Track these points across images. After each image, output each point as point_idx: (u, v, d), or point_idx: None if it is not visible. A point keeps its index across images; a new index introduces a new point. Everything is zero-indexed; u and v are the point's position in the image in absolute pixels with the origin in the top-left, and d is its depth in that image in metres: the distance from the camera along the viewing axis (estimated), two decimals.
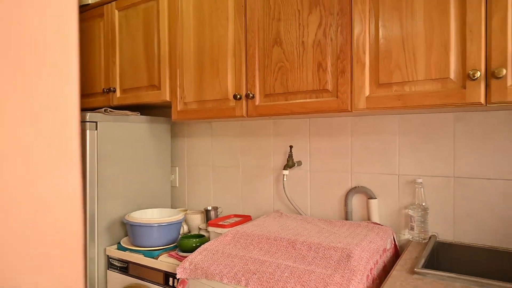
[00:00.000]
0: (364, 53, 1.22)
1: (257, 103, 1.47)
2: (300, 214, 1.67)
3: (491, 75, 1.03)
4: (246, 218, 1.75)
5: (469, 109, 1.22)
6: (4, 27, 0.27)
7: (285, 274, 1.06)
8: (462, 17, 1.07)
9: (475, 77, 1.03)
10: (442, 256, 1.32)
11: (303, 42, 1.34)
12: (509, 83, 1.01)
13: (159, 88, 1.78)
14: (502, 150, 1.28)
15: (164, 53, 1.75)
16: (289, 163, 1.64)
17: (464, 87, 1.07)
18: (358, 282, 1.01)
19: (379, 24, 1.20)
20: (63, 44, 0.31)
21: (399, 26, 1.16)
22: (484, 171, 1.32)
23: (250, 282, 1.06)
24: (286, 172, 1.64)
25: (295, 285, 1.01)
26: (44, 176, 0.29)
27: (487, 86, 1.04)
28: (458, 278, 0.99)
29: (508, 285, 0.93)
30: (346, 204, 1.58)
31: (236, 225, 1.60)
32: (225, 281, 1.11)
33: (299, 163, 1.69)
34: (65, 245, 0.31)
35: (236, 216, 1.82)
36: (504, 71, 1.00)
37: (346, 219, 1.58)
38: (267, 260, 1.15)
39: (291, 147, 1.67)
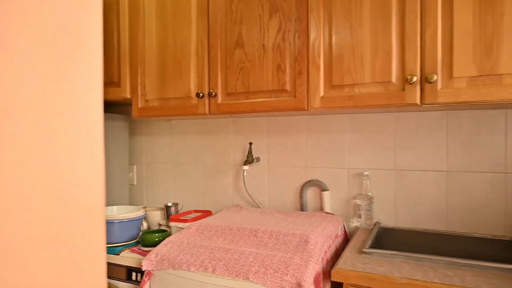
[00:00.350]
0: (319, 57, 1.35)
1: (219, 101, 1.54)
2: (259, 207, 1.76)
3: (424, 80, 1.20)
4: (206, 213, 1.80)
5: (407, 109, 1.40)
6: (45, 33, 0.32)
7: (250, 259, 1.14)
8: (402, 28, 1.23)
9: (412, 81, 1.20)
10: (385, 239, 1.49)
11: (263, 44, 1.44)
12: (439, 87, 1.19)
13: (118, 85, 1.78)
14: (433, 146, 1.48)
15: (124, 50, 1.75)
16: (249, 159, 1.73)
17: (403, 89, 1.23)
18: (315, 263, 1.13)
19: (332, 31, 1.33)
20: (91, 46, 0.36)
21: (349, 34, 1.30)
22: (419, 164, 1.51)
23: (217, 268, 1.13)
24: (246, 167, 1.73)
25: (259, 268, 1.10)
26: (74, 162, 0.35)
27: (421, 90, 1.21)
28: (398, 254, 1.14)
29: (436, 257, 1.09)
30: (301, 197, 1.70)
31: (197, 220, 1.65)
32: (192, 269, 1.16)
33: (258, 159, 1.79)
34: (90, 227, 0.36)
35: (196, 211, 1.86)
36: (435, 76, 1.18)
37: (302, 210, 1.70)
38: (231, 248, 1.22)
39: (250, 144, 1.76)
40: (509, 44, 1.10)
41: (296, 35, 1.39)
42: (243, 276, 1.09)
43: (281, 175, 1.76)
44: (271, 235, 1.29)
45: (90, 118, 0.37)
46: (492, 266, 1.03)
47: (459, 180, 1.45)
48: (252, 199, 1.80)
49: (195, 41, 1.59)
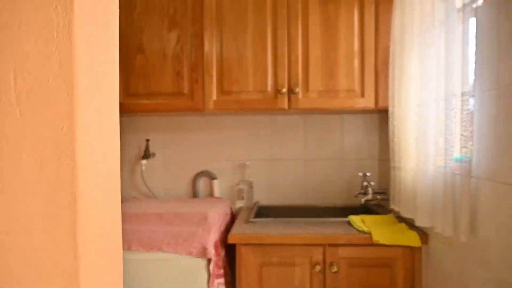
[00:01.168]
0: (212, 68, 1.65)
1: (121, 101, 1.68)
2: (156, 198, 1.95)
3: (290, 91, 1.63)
4: None
5: (279, 112, 1.83)
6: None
7: (161, 235, 1.36)
8: (275, 52, 1.63)
9: (282, 92, 1.62)
10: (263, 213, 1.88)
11: (164, 53, 1.65)
12: (300, 97, 1.64)
13: None
14: (296, 140, 1.96)
15: None
16: (146, 154, 1.90)
17: (276, 97, 1.64)
18: (214, 233, 1.42)
19: (223, 48, 1.65)
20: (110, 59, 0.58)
21: (236, 52, 1.64)
22: (286, 155, 1.96)
23: (132, 245, 1.31)
24: (144, 161, 1.89)
25: (170, 240, 1.33)
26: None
27: (288, 98, 1.64)
28: (274, 220, 1.55)
29: (299, 219, 1.53)
30: (194, 186, 1.97)
31: None
32: None
33: (154, 154, 1.97)
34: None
35: None
36: (298, 89, 1.62)
37: (195, 197, 1.97)
38: (142, 229, 1.41)
39: (147, 140, 1.93)
40: (343, 71, 1.62)
41: (193, 48, 1.65)
42: (157, 248, 1.31)
43: (176, 168, 1.99)
44: (175, 216, 1.52)
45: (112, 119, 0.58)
46: (332, 220, 1.52)
47: (313, 166, 1.96)
48: (150, 191, 1.97)
49: None
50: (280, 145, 1.97)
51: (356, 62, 1.62)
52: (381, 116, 1.90)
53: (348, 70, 1.62)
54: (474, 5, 1.08)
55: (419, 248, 1.39)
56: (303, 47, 1.63)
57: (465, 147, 1.04)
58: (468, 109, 1.03)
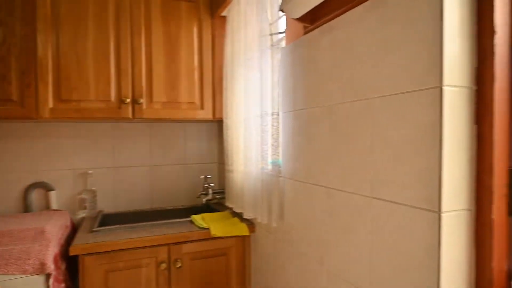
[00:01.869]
0: (48, 73, 1.56)
1: None
2: None
3: (135, 101, 1.70)
4: None
5: (124, 121, 1.86)
6: None
7: None
8: (118, 62, 1.67)
9: (126, 102, 1.67)
10: (109, 221, 1.88)
11: None
12: (144, 107, 1.72)
13: None
14: (142, 148, 2.03)
15: None
16: None
17: (120, 107, 1.68)
18: (54, 247, 1.37)
19: (60, 55, 1.58)
20: None
21: (76, 60, 1.60)
22: (132, 162, 2.01)
23: None
24: None
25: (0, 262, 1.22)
26: None
27: (133, 108, 1.71)
28: (119, 227, 1.59)
29: (145, 223, 1.63)
30: (25, 199, 1.80)
31: None
32: None
33: None
34: None
35: None
36: (142, 100, 1.71)
37: (27, 211, 1.80)
38: None
39: None
40: (184, 84, 1.79)
41: (23, 51, 1.53)
42: None
43: (1, 180, 1.77)
44: (3, 234, 1.39)
45: None
46: (176, 221, 1.68)
47: (159, 171, 2.07)
48: None
49: None
50: (125, 152, 2.00)
51: (196, 77, 1.82)
52: (219, 124, 2.17)
53: (189, 83, 1.81)
54: (280, 45, 1.42)
55: (248, 236, 1.68)
56: (146, 60, 1.72)
57: (275, 154, 1.36)
58: (276, 125, 1.34)
